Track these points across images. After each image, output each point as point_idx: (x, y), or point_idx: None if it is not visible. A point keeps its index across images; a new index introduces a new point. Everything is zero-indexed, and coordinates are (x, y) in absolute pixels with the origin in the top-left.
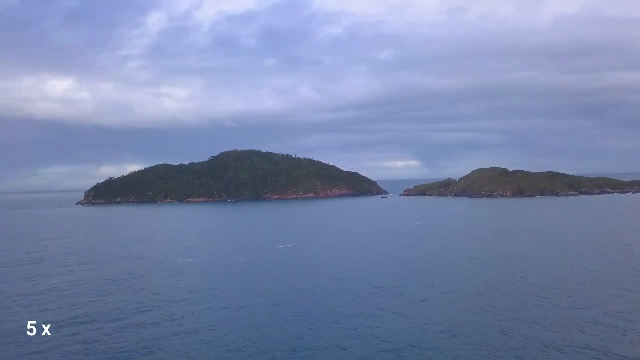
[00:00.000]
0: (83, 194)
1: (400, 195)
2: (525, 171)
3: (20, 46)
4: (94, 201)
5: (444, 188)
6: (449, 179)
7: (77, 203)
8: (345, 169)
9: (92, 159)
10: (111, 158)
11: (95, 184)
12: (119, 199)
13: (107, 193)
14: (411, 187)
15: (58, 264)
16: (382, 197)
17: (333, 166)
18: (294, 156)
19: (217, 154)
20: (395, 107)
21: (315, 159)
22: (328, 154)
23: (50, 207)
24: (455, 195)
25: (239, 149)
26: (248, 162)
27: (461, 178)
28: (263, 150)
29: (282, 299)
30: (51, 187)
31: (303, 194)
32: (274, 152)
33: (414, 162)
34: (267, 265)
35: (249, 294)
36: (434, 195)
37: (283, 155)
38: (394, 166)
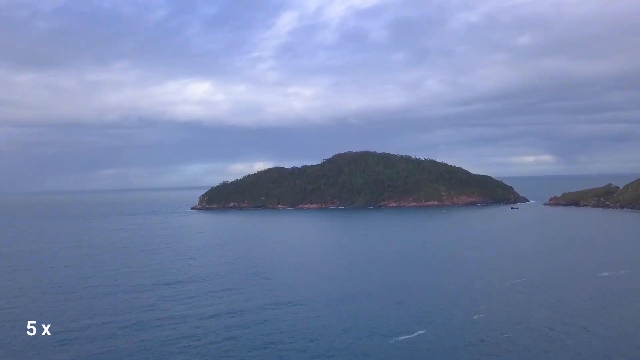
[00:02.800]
0: (197, 199)
1: (544, 204)
2: None
3: (165, 54)
4: (207, 206)
5: (605, 197)
6: (609, 184)
7: (192, 208)
8: (472, 168)
9: (227, 156)
10: (243, 156)
11: (210, 188)
12: (232, 204)
13: (220, 198)
14: (558, 195)
15: None
16: (512, 209)
17: (460, 168)
18: (413, 157)
19: (330, 156)
20: (533, 97)
21: (438, 155)
22: (452, 151)
23: (165, 214)
24: (622, 207)
25: (353, 151)
26: (363, 165)
27: (628, 184)
28: (379, 150)
29: None
30: (190, 184)
31: (425, 201)
32: (391, 152)
33: (546, 157)
34: None
35: None
36: (592, 207)
37: (401, 156)
38: (522, 162)
